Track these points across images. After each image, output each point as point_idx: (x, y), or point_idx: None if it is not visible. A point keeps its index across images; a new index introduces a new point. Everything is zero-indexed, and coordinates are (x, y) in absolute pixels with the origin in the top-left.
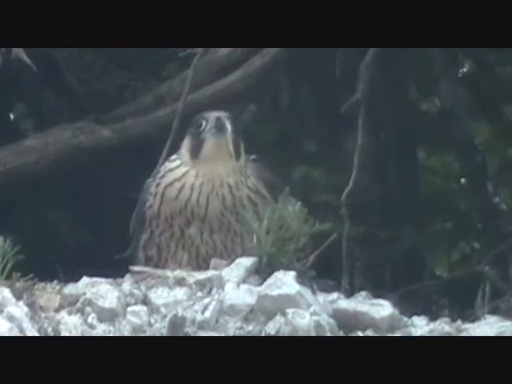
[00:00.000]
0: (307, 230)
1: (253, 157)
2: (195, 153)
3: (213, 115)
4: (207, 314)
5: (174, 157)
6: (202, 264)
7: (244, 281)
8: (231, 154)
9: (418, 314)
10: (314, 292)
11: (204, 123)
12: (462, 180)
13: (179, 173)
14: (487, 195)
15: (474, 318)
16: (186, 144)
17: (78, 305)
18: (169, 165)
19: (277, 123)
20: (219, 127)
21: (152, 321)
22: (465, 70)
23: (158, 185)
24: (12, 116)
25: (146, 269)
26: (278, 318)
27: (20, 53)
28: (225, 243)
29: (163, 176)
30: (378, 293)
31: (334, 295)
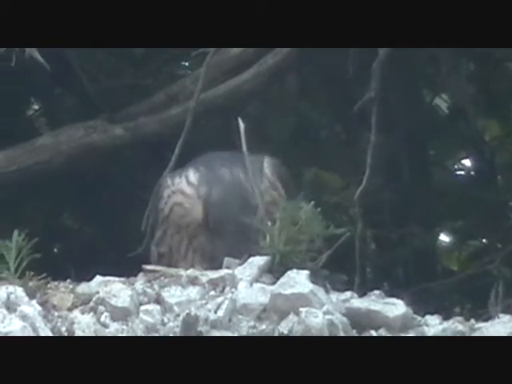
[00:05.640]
0: (320, 230)
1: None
2: (207, 227)
3: None
4: (220, 312)
5: (192, 178)
6: (215, 264)
7: (257, 280)
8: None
9: (431, 313)
10: (327, 291)
11: None
12: (473, 177)
13: (187, 204)
14: (498, 193)
15: (487, 317)
16: (200, 207)
17: (91, 304)
18: (183, 186)
19: (288, 123)
20: None
21: (165, 320)
22: (473, 67)
23: (169, 196)
24: (25, 115)
25: (159, 268)
26: (291, 317)
27: (33, 52)
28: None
29: (175, 192)
30: (391, 292)
31: (347, 294)
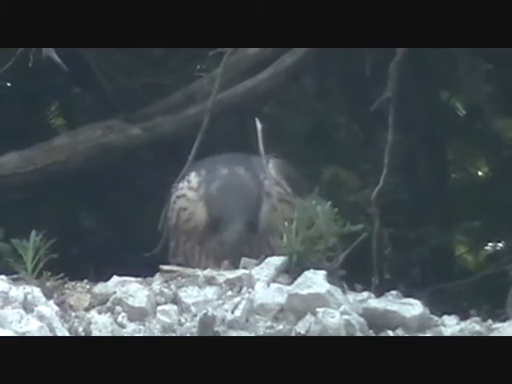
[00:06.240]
0: (337, 229)
1: (274, 154)
2: (210, 229)
3: None
4: (237, 313)
5: (193, 182)
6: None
7: (274, 280)
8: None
9: (449, 314)
10: (344, 291)
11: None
12: (491, 177)
13: (191, 208)
14: None
15: (504, 318)
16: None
17: (108, 304)
18: (186, 191)
19: (306, 122)
20: None
21: (182, 320)
22: (491, 66)
23: (174, 202)
24: (42, 115)
25: (176, 268)
26: (308, 317)
27: (50, 52)
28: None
29: (179, 197)
30: (408, 292)
31: (364, 294)
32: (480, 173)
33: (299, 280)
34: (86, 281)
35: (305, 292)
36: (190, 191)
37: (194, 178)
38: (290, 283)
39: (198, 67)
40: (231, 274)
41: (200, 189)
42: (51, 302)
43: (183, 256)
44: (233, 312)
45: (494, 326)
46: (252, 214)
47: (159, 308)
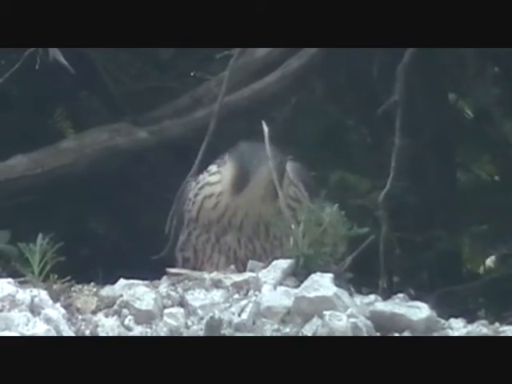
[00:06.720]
0: (344, 232)
1: (290, 157)
2: (237, 187)
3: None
4: (244, 316)
5: (214, 169)
6: (240, 267)
7: (281, 283)
8: (275, 199)
9: (456, 317)
10: (351, 294)
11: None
12: (498, 181)
13: (217, 190)
14: None
15: (511, 320)
16: (229, 169)
17: (115, 307)
18: (208, 178)
19: (313, 126)
20: None
21: (189, 323)
22: (499, 69)
23: (196, 195)
24: (49, 118)
25: (183, 271)
26: (315, 320)
27: (57, 54)
28: (264, 247)
29: (202, 187)
30: (415, 295)
31: (371, 297)
32: (488, 176)
33: (306, 283)
34: (92, 284)
35: (312, 295)
36: (211, 176)
37: (211, 167)
38: (297, 286)
39: (206, 70)
40: (238, 277)
41: (221, 168)
42: (58, 304)
43: (193, 250)
44: (240, 315)
45: (501, 328)
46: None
47: (166, 311)
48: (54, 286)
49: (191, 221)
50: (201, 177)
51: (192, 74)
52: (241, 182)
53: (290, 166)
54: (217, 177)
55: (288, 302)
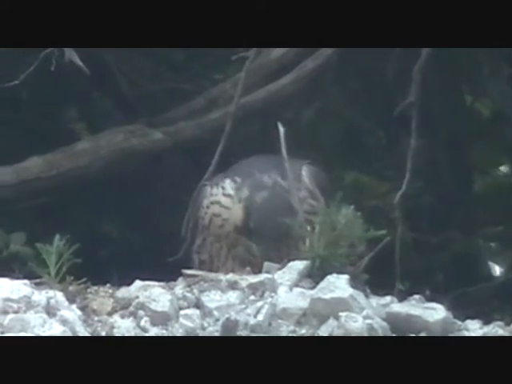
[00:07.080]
0: (360, 234)
1: (308, 161)
2: (245, 230)
3: None
4: (260, 317)
5: (228, 189)
6: (255, 269)
7: (297, 284)
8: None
9: (472, 318)
10: (366, 295)
11: None
12: None
13: (225, 215)
14: None
15: None
16: (241, 209)
17: (131, 308)
18: (220, 197)
19: (328, 127)
20: None
21: (205, 324)
22: None
23: (208, 206)
24: (64, 119)
25: (199, 272)
26: (331, 322)
27: (73, 56)
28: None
29: (213, 203)
30: (431, 296)
31: (387, 299)
32: (503, 177)
33: (322, 284)
34: (108, 285)
35: (328, 296)
36: (224, 197)
37: (228, 184)
38: (313, 287)
39: (221, 72)
40: (254, 279)
41: (239, 192)
42: (74, 306)
43: (208, 254)
44: (255, 316)
45: None
46: (284, 231)
47: (182, 312)
48: (70, 288)
49: (204, 227)
50: (214, 189)
51: (207, 76)
52: (249, 228)
53: (305, 171)
54: (228, 201)
55: (304, 303)
